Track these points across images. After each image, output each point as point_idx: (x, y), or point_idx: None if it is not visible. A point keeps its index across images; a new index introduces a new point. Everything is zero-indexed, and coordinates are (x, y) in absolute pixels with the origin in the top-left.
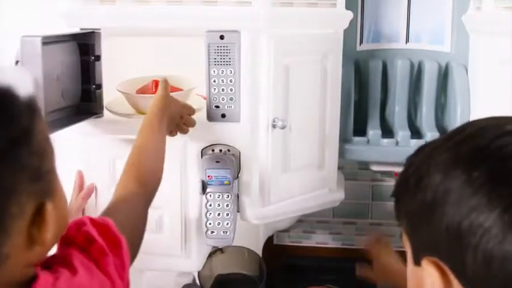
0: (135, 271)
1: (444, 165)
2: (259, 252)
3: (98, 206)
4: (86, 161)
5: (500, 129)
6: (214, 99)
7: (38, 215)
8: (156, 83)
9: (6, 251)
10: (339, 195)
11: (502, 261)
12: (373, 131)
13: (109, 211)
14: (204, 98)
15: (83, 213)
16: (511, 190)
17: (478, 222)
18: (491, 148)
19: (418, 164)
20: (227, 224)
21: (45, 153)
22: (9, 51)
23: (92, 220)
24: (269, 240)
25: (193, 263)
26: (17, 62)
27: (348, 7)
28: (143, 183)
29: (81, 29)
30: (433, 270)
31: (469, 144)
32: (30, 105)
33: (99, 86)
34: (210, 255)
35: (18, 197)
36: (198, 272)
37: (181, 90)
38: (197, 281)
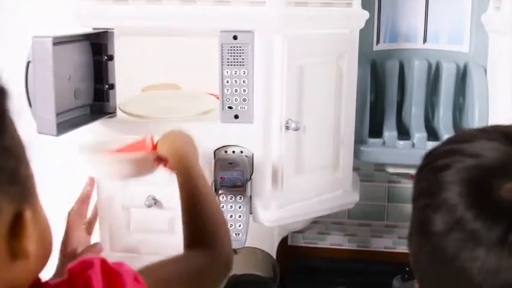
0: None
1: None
2: (274, 253)
3: (111, 209)
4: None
5: None
6: (227, 100)
7: (17, 225)
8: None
9: None
10: (353, 197)
11: None
12: (389, 133)
13: (150, 266)
14: (217, 98)
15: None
16: None
17: None
18: None
19: None
20: (239, 226)
21: (21, 158)
22: (23, 52)
23: (103, 263)
24: (283, 241)
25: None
26: (28, 63)
27: (364, 6)
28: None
29: (94, 29)
30: None
31: None
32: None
33: (112, 86)
34: None
35: None
36: None
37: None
38: None
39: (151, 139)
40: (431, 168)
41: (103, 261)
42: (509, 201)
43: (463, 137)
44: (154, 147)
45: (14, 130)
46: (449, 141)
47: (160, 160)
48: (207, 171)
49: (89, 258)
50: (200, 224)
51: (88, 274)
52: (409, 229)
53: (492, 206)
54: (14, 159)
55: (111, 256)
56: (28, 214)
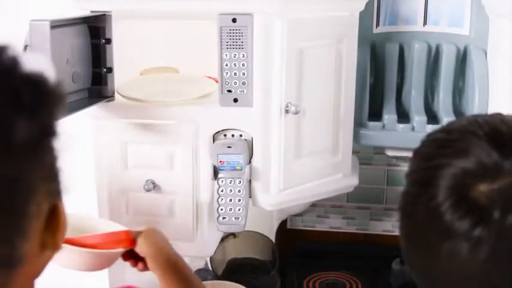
0: None
1: None
2: (273, 236)
3: (110, 194)
4: (97, 145)
5: None
6: (227, 83)
7: (51, 218)
8: (127, 235)
9: (21, 254)
10: (353, 181)
11: None
12: (389, 116)
13: None
14: (216, 81)
15: None
16: None
17: None
18: None
19: None
20: (239, 209)
21: (55, 152)
22: (21, 36)
23: None
24: (282, 224)
25: (205, 248)
26: (25, 47)
27: None
28: None
29: (92, 12)
30: None
31: None
32: (58, 93)
33: (110, 70)
34: (223, 239)
35: (37, 196)
36: (211, 257)
37: None
38: (209, 266)
39: (128, 234)
40: (426, 168)
41: None
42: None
43: (454, 135)
44: (132, 242)
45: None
46: (439, 140)
47: (130, 257)
48: (206, 154)
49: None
50: None
51: None
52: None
53: (466, 203)
54: (52, 153)
55: None
56: (61, 208)
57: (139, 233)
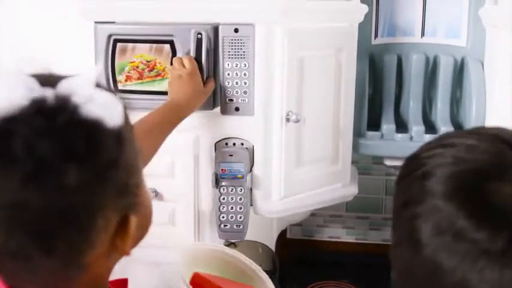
0: (148, 264)
1: None
2: (273, 245)
3: None
4: None
5: None
6: (228, 92)
7: (122, 226)
8: None
9: (88, 260)
10: (352, 190)
11: None
12: (387, 126)
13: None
14: None
15: None
16: None
17: None
18: None
19: None
20: (240, 217)
21: (133, 169)
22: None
23: None
24: (282, 234)
25: None
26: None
27: (363, 0)
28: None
29: (96, 23)
30: None
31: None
32: (118, 137)
33: None
34: None
35: (105, 212)
36: None
37: None
38: None
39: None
40: (416, 177)
41: None
42: (510, 206)
43: (446, 140)
44: None
45: (131, 143)
46: (431, 145)
47: None
48: (208, 163)
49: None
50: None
51: None
52: (395, 240)
53: (492, 214)
54: (125, 173)
55: None
56: (133, 220)
57: None
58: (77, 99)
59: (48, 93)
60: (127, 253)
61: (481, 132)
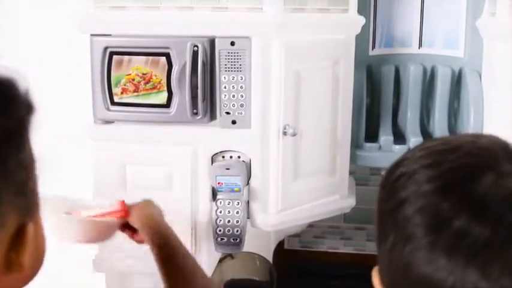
0: (145, 276)
1: None
2: (270, 257)
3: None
4: (96, 167)
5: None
6: (225, 105)
7: (18, 237)
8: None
9: None
10: (350, 202)
11: None
12: (385, 137)
13: None
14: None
15: None
16: None
17: None
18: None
19: None
20: (237, 231)
21: (32, 172)
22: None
23: None
24: (280, 245)
25: (203, 269)
26: None
27: (360, 12)
28: None
29: (92, 35)
30: None
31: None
32: (28, 100)
33: None
34: (220, 260)
35: (1, 207)
36: None
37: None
38: None
39: (123, 204)
40: (393, 205)
41: None
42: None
43: (426, 144)
44: (126, 212)
45: (29, 144)
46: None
47: (126, 228)
48: (204, 176)
49: None
50: (184, 279)
51: None
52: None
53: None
54: (25, 172)
55: None
56: (30, 228)
57: (134, 204)
58: None
59: None
60: (24, 271)
61: (460, 137)
